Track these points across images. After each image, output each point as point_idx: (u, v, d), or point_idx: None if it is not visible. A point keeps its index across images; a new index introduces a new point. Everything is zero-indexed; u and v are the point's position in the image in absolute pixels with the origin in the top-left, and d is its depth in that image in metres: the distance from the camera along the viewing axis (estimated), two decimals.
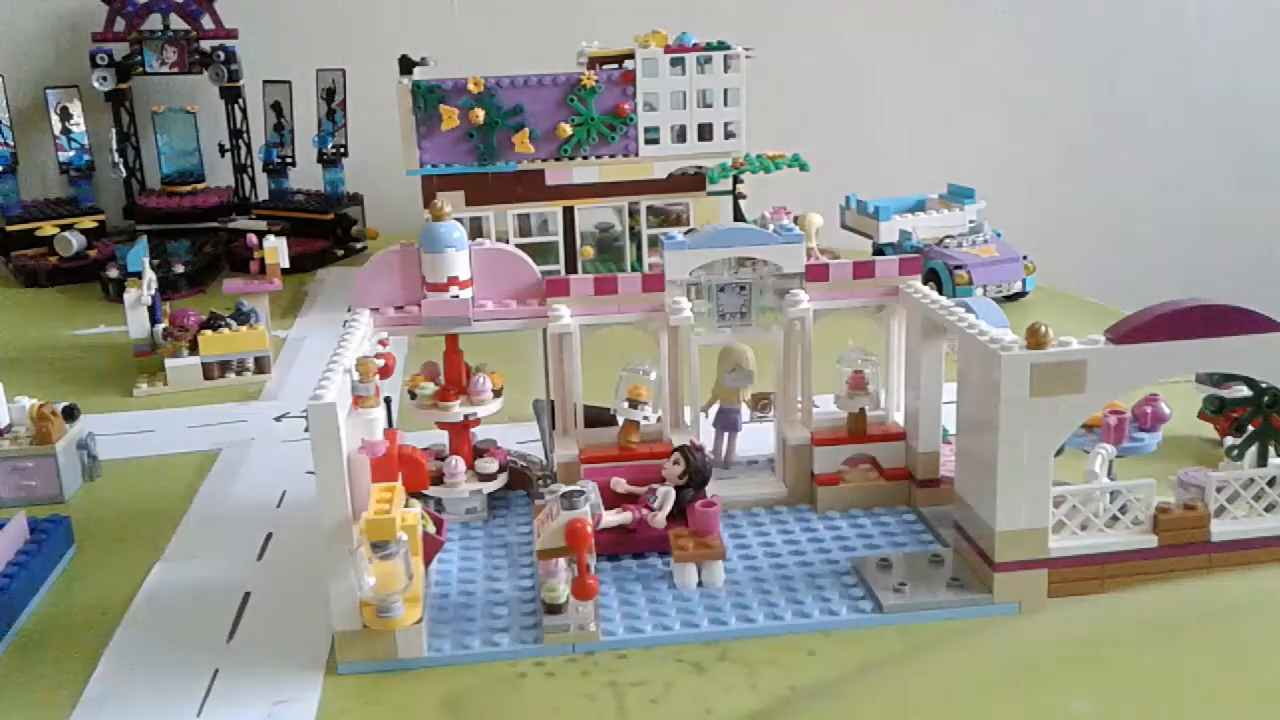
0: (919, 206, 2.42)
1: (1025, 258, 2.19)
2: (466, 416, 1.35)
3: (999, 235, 2.26)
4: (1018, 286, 2.16)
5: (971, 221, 2.31)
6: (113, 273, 2.34)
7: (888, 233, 2.30)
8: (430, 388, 1.35)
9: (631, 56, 2.22)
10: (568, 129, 2.18)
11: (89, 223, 2.66)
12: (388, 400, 1.34)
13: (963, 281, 2.11)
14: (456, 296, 1.30)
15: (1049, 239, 2.94)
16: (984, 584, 1.15)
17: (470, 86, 2.15)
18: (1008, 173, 3.18)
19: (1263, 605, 0.42)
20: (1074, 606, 0.47)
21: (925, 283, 2.15)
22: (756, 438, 1.47)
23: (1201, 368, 1.20)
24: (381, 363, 1.19)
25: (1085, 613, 0.45)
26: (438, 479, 1.34)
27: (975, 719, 0.37)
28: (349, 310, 1.34)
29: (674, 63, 2.22)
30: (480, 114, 2.16)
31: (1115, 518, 1.16)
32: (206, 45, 2.72)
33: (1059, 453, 1.14)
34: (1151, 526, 1.15)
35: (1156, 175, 3.33)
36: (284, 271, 2.11)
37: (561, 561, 1.12)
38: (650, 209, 2.34)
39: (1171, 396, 1.38)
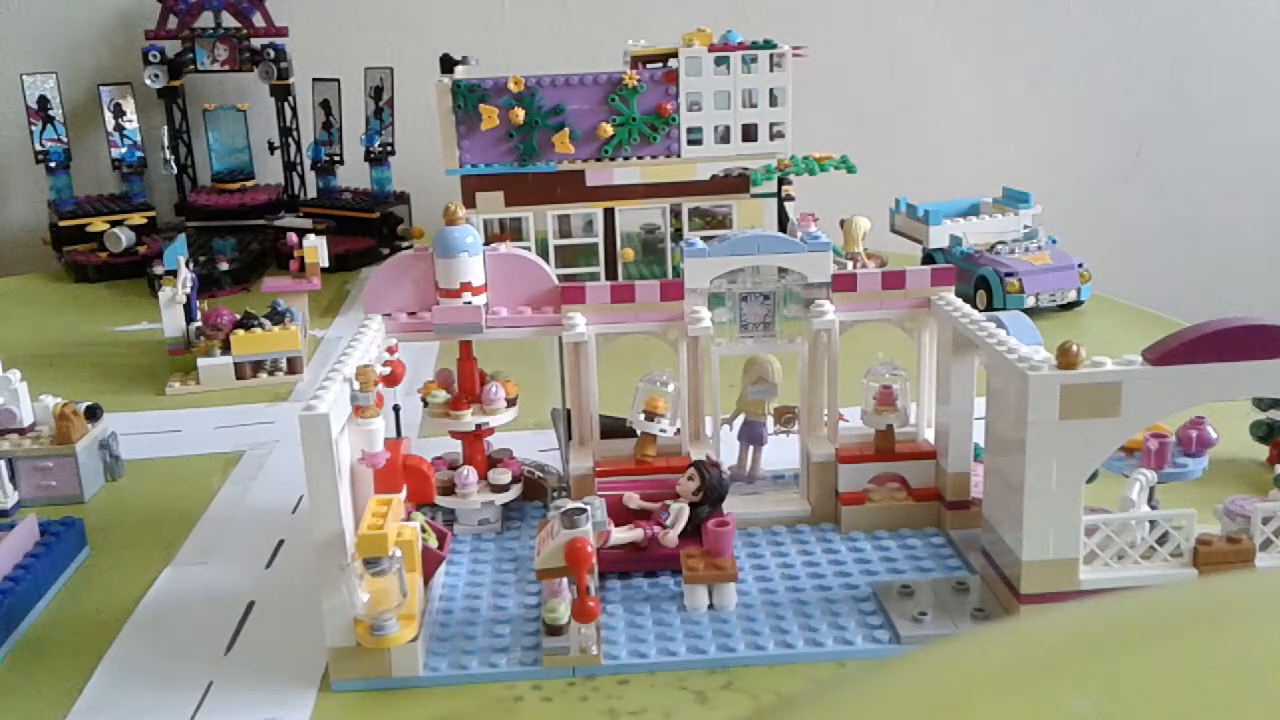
0: (972, 211, 2.34)
1: (1081, 265, 2.10)
2: (479, 426, 1.31)
3: (1054, 241, 2.17)
4: (1072, 295, 2.07)
5: (1026, 227, 2.22)
6: (158, 269, 2.34)
7: (937, 238, 2.22)
8: (442, 395, 1.31)
9: (675, 55, 2.17)
10: (609, 129, 2.14)
11: (139, 219, 2.67)
12: (396, 409, 1.31)
13: (1014, 290, 2.03)
14: (469, 303, 1.27)
15: (1112, 246, 2.85)
16: (1010, 615, 1.09)
17: (510, 85, 2.12)
18: (1069, 176, 3.08)
19: (1261, 605, 0.42)
20: (1073, 607, 0.46)
21: (975, 290, 2.12)
22: (784, 452, 1.42)
23: (1247, 392, 1.12)
24: (387, 370, 1.16)
25: (1084, 613, 0.44)
26: (448, 489, 1.31)
27: (974, 719, 0.36)
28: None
29: (718, 62, 2.16)
30: (520, 113, 2.12)
31: (1152, 549, 1.09)
32: (257, 43, 2.73)
33: (1092, 479, 1.08)
34: (1191, 559, 1.08)
35: (1227, 180, 3.19)
36: (329, 270, 2.10)
37: (565, 580, 1.08)
38: (695, 210, 2.29)
39: (1221, 418, 1.29)
